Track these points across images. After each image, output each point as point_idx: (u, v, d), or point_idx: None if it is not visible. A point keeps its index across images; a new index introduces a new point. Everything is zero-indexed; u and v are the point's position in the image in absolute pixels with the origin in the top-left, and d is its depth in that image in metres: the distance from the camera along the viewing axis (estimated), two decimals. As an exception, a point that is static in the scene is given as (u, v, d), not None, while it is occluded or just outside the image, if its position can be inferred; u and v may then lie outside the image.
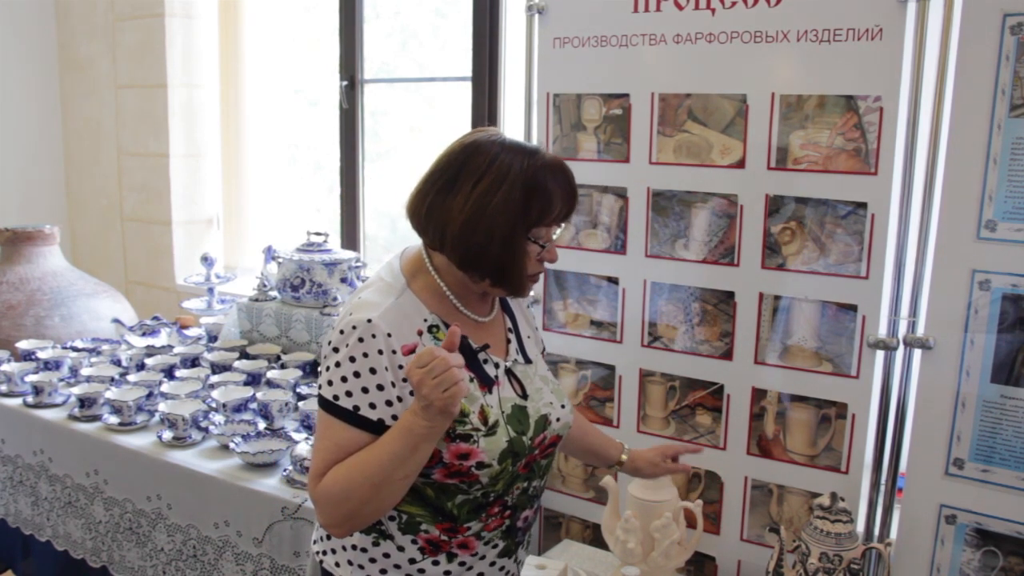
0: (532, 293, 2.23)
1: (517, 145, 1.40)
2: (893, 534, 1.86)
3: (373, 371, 1.35)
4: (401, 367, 1.36)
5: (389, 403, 1.36)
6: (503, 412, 1.44)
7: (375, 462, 1.33)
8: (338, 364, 1.36)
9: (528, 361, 1.56)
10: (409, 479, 1.35)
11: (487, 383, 1.45)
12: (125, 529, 2.43)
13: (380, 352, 1.35)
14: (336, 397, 1.35)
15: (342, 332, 1.37)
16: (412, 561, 1.46)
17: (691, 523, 1.92)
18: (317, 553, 1.56)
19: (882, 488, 1.87)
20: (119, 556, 2.46)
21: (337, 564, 1.51)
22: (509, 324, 1.58)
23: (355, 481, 1.33)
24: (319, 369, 1.43)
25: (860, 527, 1.87)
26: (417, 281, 1.45)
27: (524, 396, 1.49)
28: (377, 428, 1.35)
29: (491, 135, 1.42)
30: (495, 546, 1.50)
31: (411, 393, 1.35)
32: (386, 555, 1.46)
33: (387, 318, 1.37)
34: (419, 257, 1.48)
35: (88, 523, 2.52)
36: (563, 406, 1.56)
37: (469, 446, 1.39)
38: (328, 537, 1.53)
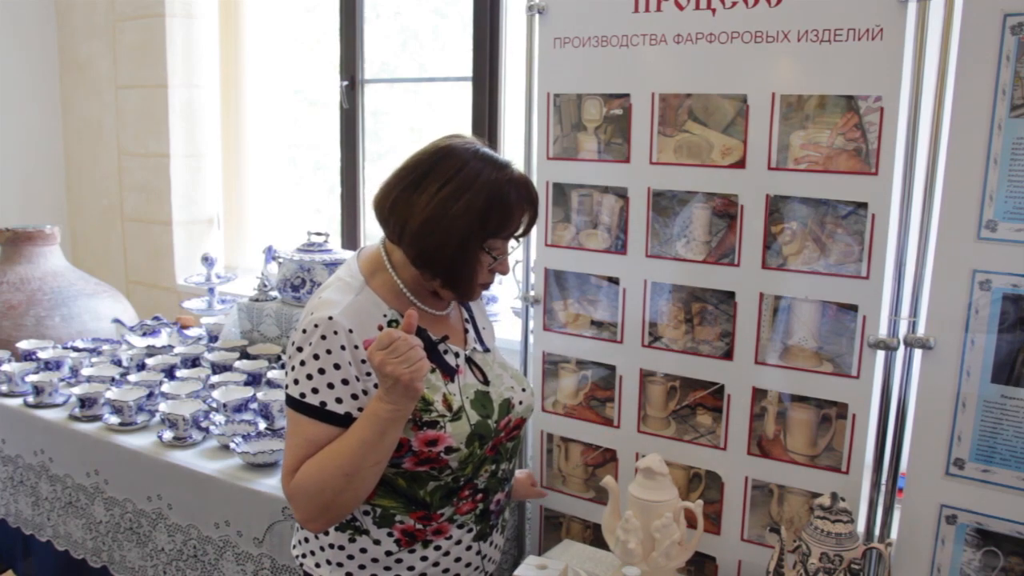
0: (533, 292, 2.23)
1: (488, 156, 1.45)
2: (893, 534, 1.86)
3: (337, 366, 1.38)
4: (364, 361, 1.40)
5: (355, 396, 1.39)
6: (466, 398, 1.49)
7: (346, 452, 1.36)
8: (303, 363, 1.39)
9: (486, 350, 1.63)
10: (380, 466, 1.38)
11: (448, 372, 1.50)
12: (126, 529, 2.43)
13: (343, 348, 1.38)
14: (303, 395, 1.39)
15: (304, 331, 1.40)
16: (389, 553, 1.48)
17: (691, 523, 1.92)
18: (297, 557, 1.58)
19: (882, 488, 1.87)
20: (120, 556, 2.46)
21: (317, 565, 1.52)
22: (466, 315, 1.64)
23: (328, 472, 1.36)
24: (285, 369, 1.46)
25: (860, 527, 1.87)
26: (375, 279, 1.50)
27: (486, 382, 1.55)
28: (345, 422, 1.39)
29: (466, 142, 1.47)
30: (470, 530, 1.52)
31: (375, 386, 1.38)
32: (363, 550, 1.48)
33: (348, 314, 1.40)
34: (377, 256, 1.52)
35: (88, 523, 2.52)
36: (524, 390, 1.62)
37: (436, 432, 1.43)
38: (307, 540, 1.55)
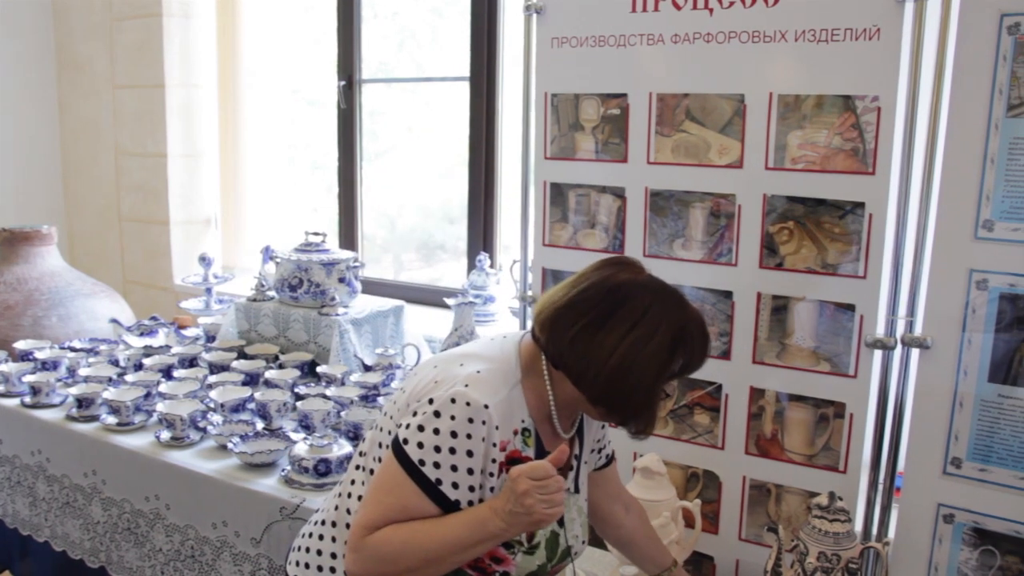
0: (531, 292, 2.23)
1: (666, 293, 1.40)
2: (891, 533, 1.87)
3: (470, 454, 1.34)
4: (494, 460, 1.36)
5: (472, 488, 1.35)
6: (544, 536, 1.45)
7: (437, 539, 1.32)
8: (437, 431, 1.33)
9: (576, 491, 1.57)
10: (458, 566, 1.36)
11: None
12: (123, 529, 2.42)
13: (483, 439, 1.34)
14: (422, 463, 1.33)
15: (453, 401, 1.33)
16: None
17: (689, 523, 1.93)
18: (294, 564, 1.54)
19: (880, 487, 1.88)
20: (117, 556, 2.46)
21: (320, 568, 1.50)
22: (576, 450, 1.57)
23: (410, 549, 1.33)
24: (402, 419, 1.38)
25: (858, 526, 1.88)
26: (529, 379, 1.44)
27: (560, 524, 1.50)
28: (450, 507, 1.35)
29: (640, 274, 1.42)
30: None
31: (492, 489, 1.36)
32: None
33: (500, 410, 1.36)
34: (538, 357, 1.45)
35: (86, 523, 2.52)
36: (584, 542, 1.58)
37: (507, 554, 1.41)
38: (320, 553, 1.51)
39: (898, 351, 1.79)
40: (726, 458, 2.03)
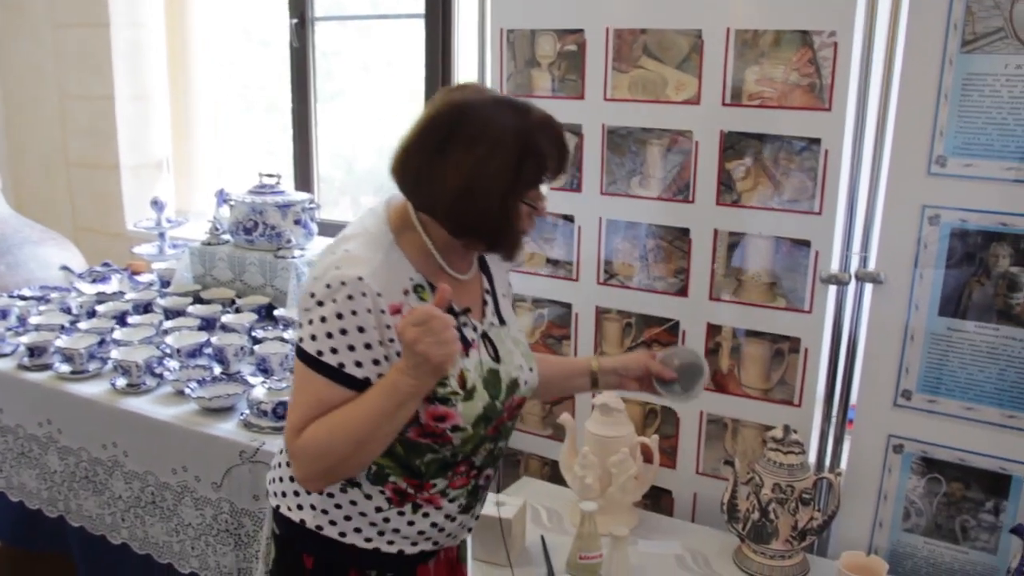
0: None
1: (508, 103, 1.36)
2: (843, 464, 1.91)
3: (361, 329, 1.33)
4: (389, 327, 1.34)
5: (376, 362, 1.34)
6: (479, 377, 1.44)
7: (359, 419, 1.32)
8: (323, 319, 1.32)
9: (503, 323, 1.55)
10: (391, 436, 1.35)
11: (465, 346, 1.43)
12: (81, 478, 2.40)
13: (369, 311, 1.32)
14: (320, 353, 1.33)
15: (329, 286, 1.32)
16: (379, 510, 1.46)
17: (647, 458, 1.96)
18: (274, 495, 1.55)
19: (833, 420, 1.92)
20: (76, 505, 2.44)
21: (300, 507, 1.50)
22: (487, 285, 1.55)
23: (337, 437, 1.32)
24: (298, 320, 1.38)
25: (812, 458, 1.92)
26: (404, 237, 1.42)
27: (496, 359, 1.49)
28: (361, 386, 1.34)
29: (479, 93, 1.38)
30: (460, 505, 1.51)
31: (397, 354, 1.34)
32: (353, 502, 1.46)
33: (378, 277, 1.34)
34: (406, 212, 1.43)
35: (43, 473, 2.49)
36: (531, 369, 1.56)
37: (447, 408, 1.39)
38: (292, 491, 1.52)
39: (852, 286, 1.82)
40: (683, 394, 2.05)
